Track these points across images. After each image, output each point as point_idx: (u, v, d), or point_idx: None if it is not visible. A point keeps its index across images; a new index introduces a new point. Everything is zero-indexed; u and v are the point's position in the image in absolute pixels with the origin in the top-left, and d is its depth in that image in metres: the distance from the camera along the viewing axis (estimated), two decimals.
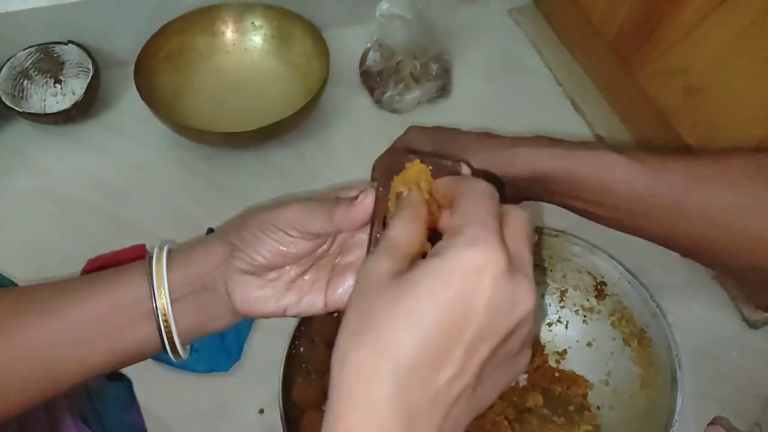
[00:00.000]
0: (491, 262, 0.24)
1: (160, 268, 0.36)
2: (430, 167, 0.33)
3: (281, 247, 0.35)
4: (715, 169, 0.39)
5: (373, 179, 0.46)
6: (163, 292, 0.36)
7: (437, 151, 0.43)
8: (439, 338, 0.24)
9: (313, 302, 0.37)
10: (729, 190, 0.38)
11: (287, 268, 0.37)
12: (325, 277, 0.38)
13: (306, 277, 0.37)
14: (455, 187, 0.30)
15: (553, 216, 0.72)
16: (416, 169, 0.34)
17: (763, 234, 0.38)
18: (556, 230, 0.59)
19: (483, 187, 0.28)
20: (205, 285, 0.37)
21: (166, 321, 0.36)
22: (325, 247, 0.38)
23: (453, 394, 0.25)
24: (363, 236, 0.36)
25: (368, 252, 0.33)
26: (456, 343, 0.24)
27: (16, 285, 0.55)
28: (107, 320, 0.36)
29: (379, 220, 0.33)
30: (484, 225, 0.26)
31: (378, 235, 0.33)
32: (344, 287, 0.37)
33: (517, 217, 0.28)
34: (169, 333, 0.36)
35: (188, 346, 0.39)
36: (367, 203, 0.33)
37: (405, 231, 0.28)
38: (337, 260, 0.38)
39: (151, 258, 0.37)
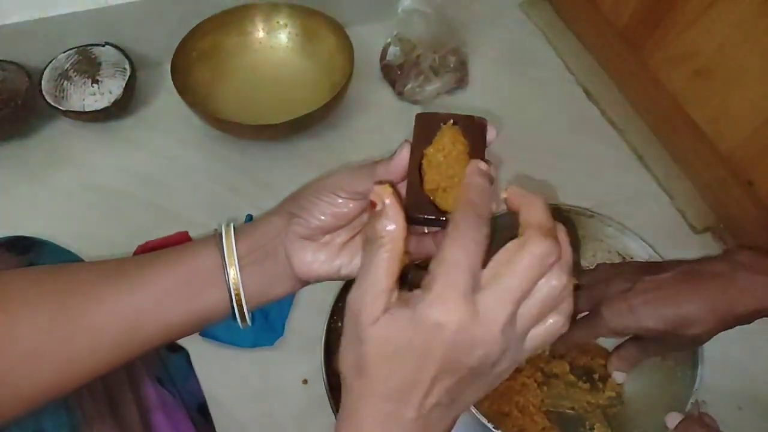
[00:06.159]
0: (451, 319, 0.29)
1: (229, 241, 0.40)
2: (459, 126, 0.38)
3: (334, 209, 0.39)
4: None
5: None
6: (233, 264, 0.40)
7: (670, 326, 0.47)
8: (409, 374, 0.30)
9: None
10: None
11: (339, 231, 0.41)
12: None
13: (356, 239, 0.41)
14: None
15: (577, 197, 0.75)
16: (449, 132, 0.38)
17: None
18: (591, 211, 0.62)
19: (471, 232, 0.31)
20: (267, 253, 0.41)
21: (236, 289, 0.40)
22: None
23: (427, 407, 0.31)
24: None
25: (407, 195, 0.36)
26: (423, 376, 0.30)
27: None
28: (185, 288, 0.40)
29: (413, 169, 0.37)
30: (452, 282, 0.29)
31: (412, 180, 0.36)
32: None
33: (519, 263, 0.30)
34: (239, 300, 0.40)
35: (250, 314, 0.43)
36: (404, 154, 0.37)
37: (384, 274, 0.31)
38: None
39: (220, 233, 0.41)
